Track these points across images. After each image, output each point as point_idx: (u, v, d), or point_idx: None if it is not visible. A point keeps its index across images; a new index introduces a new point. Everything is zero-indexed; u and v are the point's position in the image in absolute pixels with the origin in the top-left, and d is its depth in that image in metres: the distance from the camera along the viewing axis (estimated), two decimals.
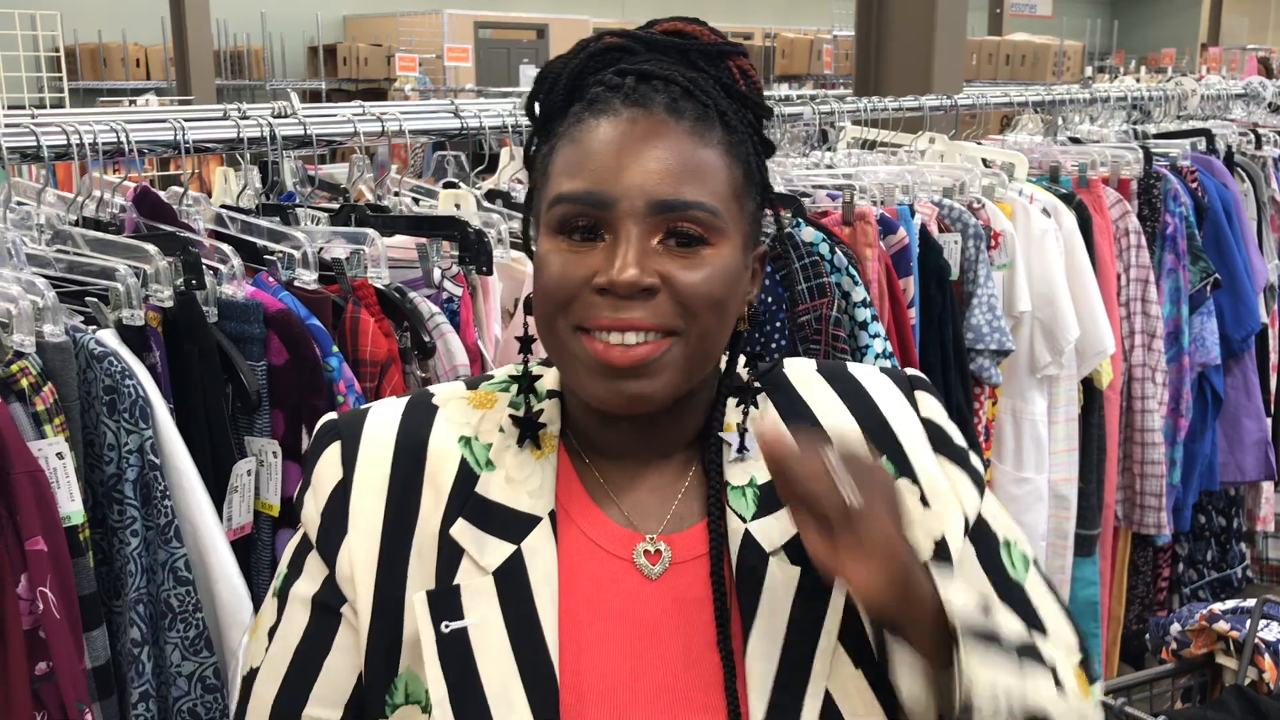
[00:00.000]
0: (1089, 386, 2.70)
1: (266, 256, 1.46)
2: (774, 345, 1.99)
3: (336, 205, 1.80)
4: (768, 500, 0.90)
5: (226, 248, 1.38)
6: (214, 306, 1.35)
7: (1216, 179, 3.14)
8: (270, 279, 1.42)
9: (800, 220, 2.07)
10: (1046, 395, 2.59)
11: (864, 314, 2.04)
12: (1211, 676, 1.81)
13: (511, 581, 0.86)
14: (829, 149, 2.76)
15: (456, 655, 0.84)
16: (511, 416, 0.91)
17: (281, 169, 1.92)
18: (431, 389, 0.95)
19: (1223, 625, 1.78)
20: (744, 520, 0.89)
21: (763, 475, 0.90)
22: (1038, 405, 2.57)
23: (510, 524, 0.87)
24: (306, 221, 1.58)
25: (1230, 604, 1.89)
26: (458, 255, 1.57)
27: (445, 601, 0.85)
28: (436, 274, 1.55)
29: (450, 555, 0.86)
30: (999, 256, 2.44)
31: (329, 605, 0.88)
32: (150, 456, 1.25)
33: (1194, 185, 3.04)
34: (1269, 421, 3.35)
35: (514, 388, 0.93)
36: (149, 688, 1.26)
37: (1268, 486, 3.45)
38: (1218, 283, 3.01)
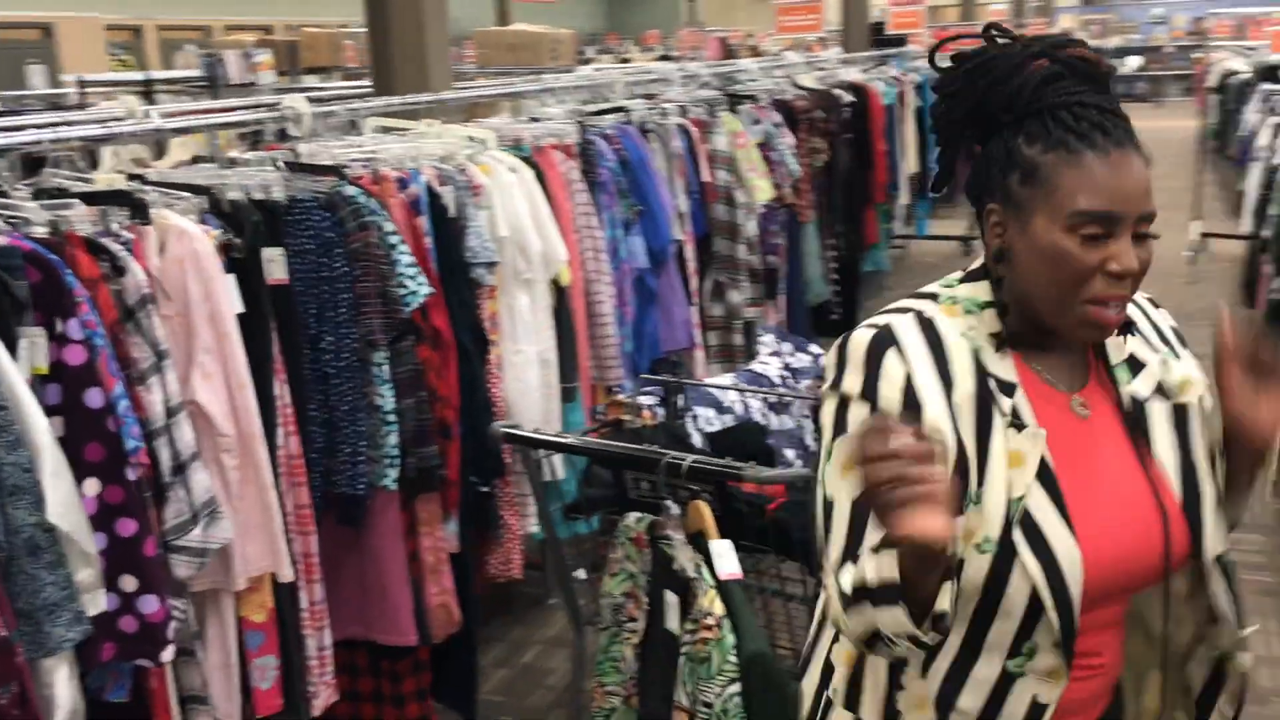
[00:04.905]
0: (559, 287, 3.97)
1: (10, 220, 2.29)
2: (337, 265, 3.02)
3: None
4: (1135, 367, 1.39)
5: None
6: None
7: (633, 141, 4.52)
8: (18, 234, 2.26)
9: (345, 181, 3.11)
10: (529, 293, 3.81)
11: (394, 239, 3.12)
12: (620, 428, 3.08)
13: (1016, 413, 1.33)
14: (359, 134, 3.81)
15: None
16: (991, 333, 1.34)
17: None
18: (913, 305, 1.38)
19: (622, 397, 3.06)
20: (1127, 382, 1.38)
21: (1125, 353, 1.39)
22: (522, 300, 3.75)
23: (1005, 386, 1.32)
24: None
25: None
26: (129, 213, 2.47)
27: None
28: (115, 226, 2.45)
29: (983, 404, 1.31)
30: (484, 201, 3.61)
31: None
32: None
33: (618, 147, 4.40)
34: (693, 309, 4.85)
35: (966, 305, 1.35)
36: None
37: (699, 353, 4.95)
38: (640, 213, 4.40)
